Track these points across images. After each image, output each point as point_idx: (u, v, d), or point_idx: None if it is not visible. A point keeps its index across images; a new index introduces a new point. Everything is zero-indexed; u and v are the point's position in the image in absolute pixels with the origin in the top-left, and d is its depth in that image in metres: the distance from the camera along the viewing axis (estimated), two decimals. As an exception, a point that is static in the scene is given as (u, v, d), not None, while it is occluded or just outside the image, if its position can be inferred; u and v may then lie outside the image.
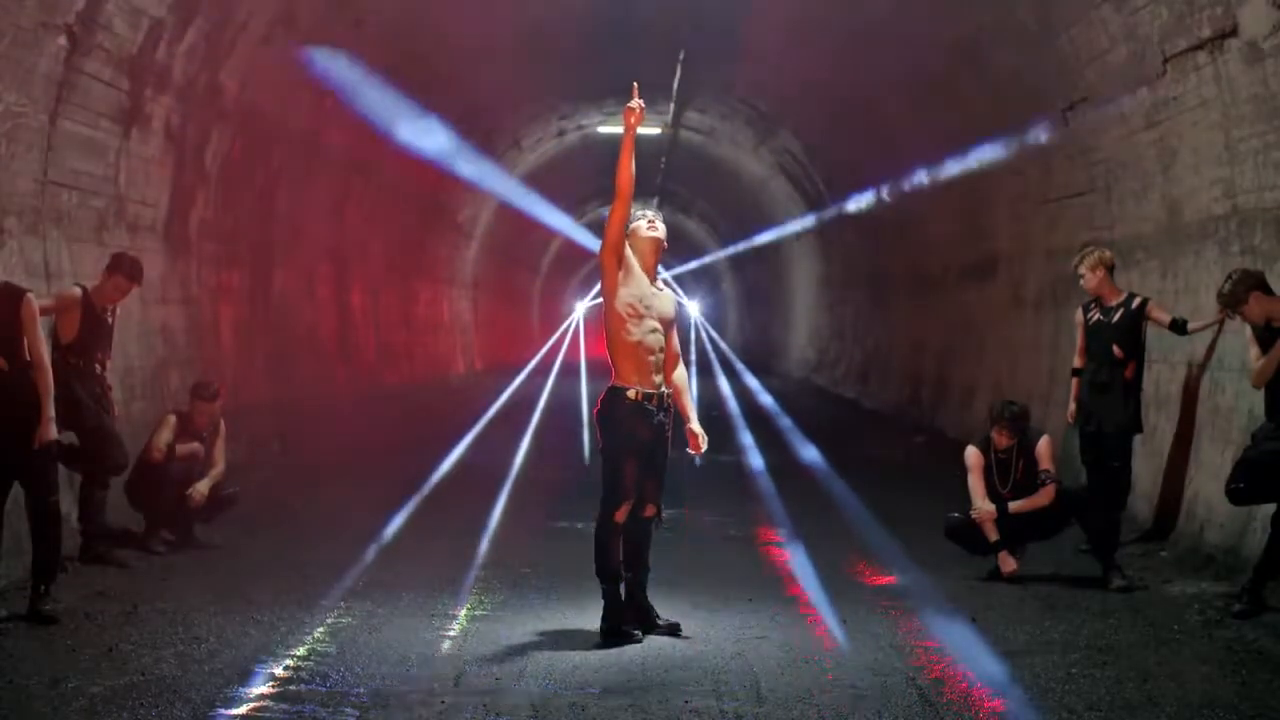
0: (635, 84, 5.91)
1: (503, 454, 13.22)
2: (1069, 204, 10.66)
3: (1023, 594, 6.83)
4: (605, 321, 5.94)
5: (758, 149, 22.20)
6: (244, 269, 12.54)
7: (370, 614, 6.30)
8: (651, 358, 5.87)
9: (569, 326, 39.73)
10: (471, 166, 19.52)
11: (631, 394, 5.82)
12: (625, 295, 5.85)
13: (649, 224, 6.03)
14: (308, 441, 12.74)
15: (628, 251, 5.89)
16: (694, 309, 37.61)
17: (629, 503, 5.87)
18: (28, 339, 6.12)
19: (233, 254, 12.08)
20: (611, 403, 5.86)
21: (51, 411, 6.13)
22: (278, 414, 12.71)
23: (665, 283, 6.17)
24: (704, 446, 6.12)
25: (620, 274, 5.85)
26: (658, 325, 5.90)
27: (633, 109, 5.76)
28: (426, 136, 16.11)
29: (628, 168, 5.81)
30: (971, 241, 14.02)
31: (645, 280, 5.93)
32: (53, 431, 6.13)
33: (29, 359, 6.10)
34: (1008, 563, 7.15)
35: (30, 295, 6.25)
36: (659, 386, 5.89)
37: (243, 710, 4.80)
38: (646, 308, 5.87)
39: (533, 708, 4.86)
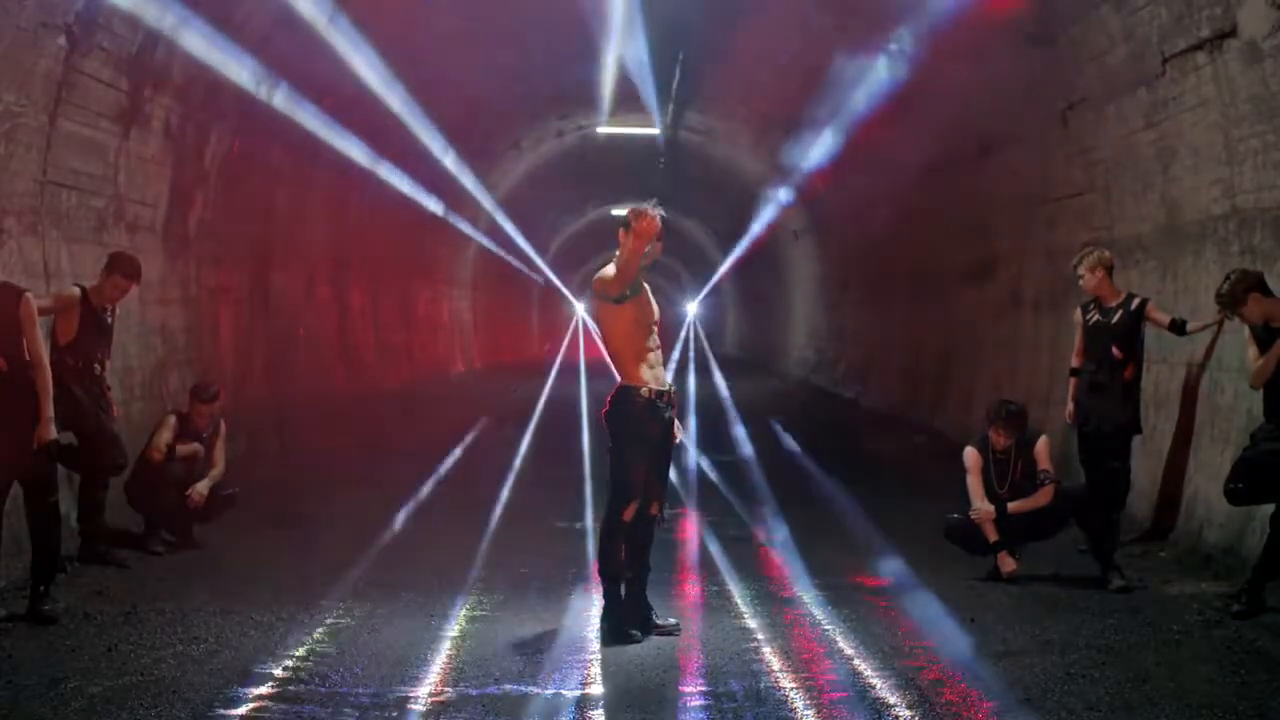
0: (655, 199, 5.92)
1: (502, 453, 13.22)
2: (1068, 204, 10.66)
3: (1022, 594, 6.83)
4: (605, 335, 6.03)
5: (756, 149, 22.19)
6: (243, 269, 12.54)
7: (370, 614, 6.30)
8: (653, 356, 5.98)
9: (569, 326, 39.72)
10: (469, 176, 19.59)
11: (645, 392, 5.88)
12: (628, 314, 5.92)
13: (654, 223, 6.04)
14: (307, 441, 12.74)
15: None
16: (692, 309, 37.66)
17: (637, 501, 5.90)
18: (26, 339, 6.11)
19: (232, 254, 12.08)
20: (623, 401, 5.90)
21: (50, 412, 6.12)
22: (277, 414, 12.72)
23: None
24: (680, 436, 6.17)
25: (617, 304, 5.92)
26: (653, 329, 6.04)
27: (649, 217, 5.68)
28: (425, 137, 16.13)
29: (635, 265, 5.80)
30: (971, 241, 14.02)
31: (640, 290, 5.98)
32: (52, 432, 6.12)
33: (28, 359, 6.10)
34: (1007, 563, 7.15)
35: (29, 295, 6.25)
36: (666, 384, 5.96)
37: (242, 711, 4.80)
38: (646, 315, 5.98)
39: (532, 708, 4.86)
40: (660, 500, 6.04)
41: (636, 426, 5.88)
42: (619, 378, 5.99)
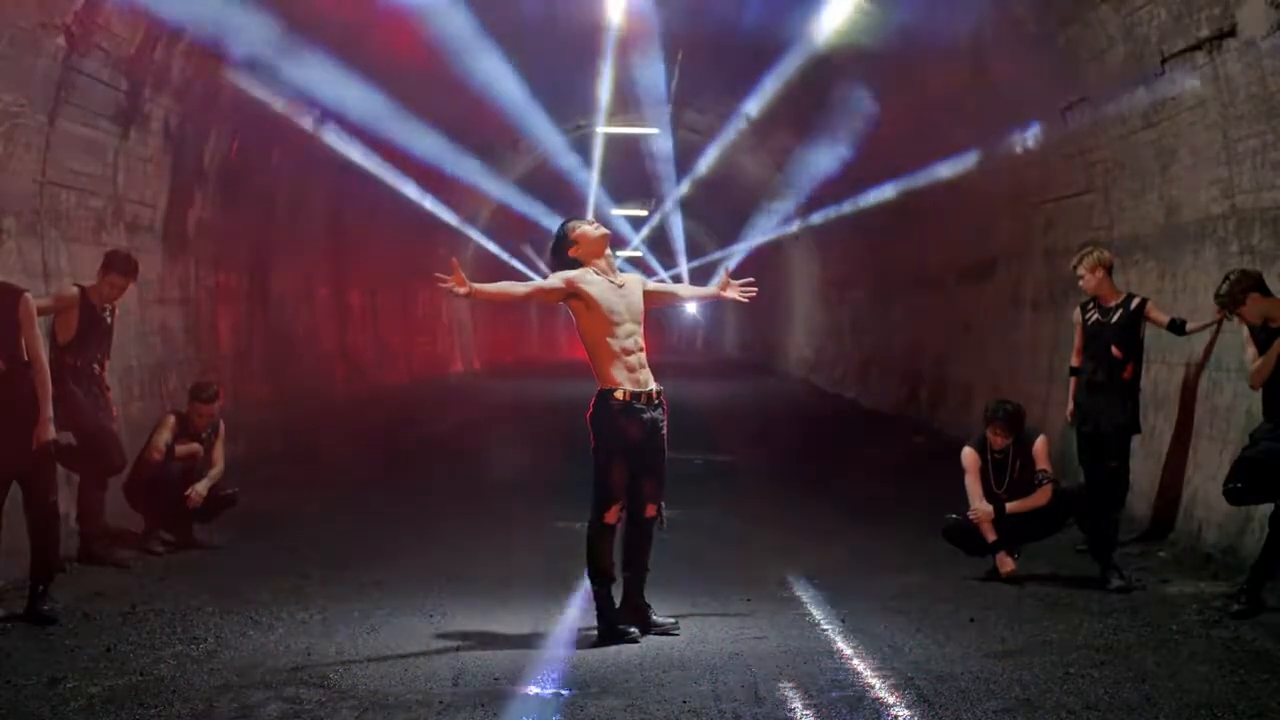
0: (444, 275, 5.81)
1: (501, 453, 13.22)
2: (1067, 204, 10.66)
3: (1021, 594, 6.83)
4: (581, 336, 6.00)
5: (756, 149, 22.19)
6: (242, 269, 12.55)
7: (369, 614, 6.30)
8: (633, 358, 5.91)
9: (569, 325, 39.73)
10: (467, 169, 19.57)
11: (620, 394, 5.85)
12: (595, 316, 5.90)
13: (595, 225, 6.11)
14: (306, 441, 12.74)
15: (576, 282, 5.92)
16: (691, 308, 37.64)
17: (618, 504, 5.89)
18: (25, 339, 6.11)
19: (231, 254, 12.08)
20: (601, 405, 5.88)
21: (49, 412, 6.12)
22: (276, 414, 12.72)
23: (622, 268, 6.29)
24: (740, 289, 6.35)
25: (580, 305, 5.91)
26: (634, 326, 5.96)
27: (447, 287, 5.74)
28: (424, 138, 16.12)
29: (501, 296, 6.17)
30: (970, 241, 14.03)
31: (606, 288, 5.94)
32: (50, 432, 6.12)
33: (26, 359, 6.10)
34: (1006, 563, 7.15)
35: (27, 295, 6.24)
36: (646, 384, 5.92)
37: (241, 711, 4.79)
38: (618, 314, 5.91)
39: (531, 708, 4.86)
40: (657, 502, 6.01)
41: (613, 430, 5.84)
42: (599, 379, 5.95)
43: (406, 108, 14.75)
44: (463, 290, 5.67)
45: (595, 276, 5.95)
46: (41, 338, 6.37)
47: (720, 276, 6.49)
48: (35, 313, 6.27)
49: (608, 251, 6.08)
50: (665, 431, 6.00)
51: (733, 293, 6.38)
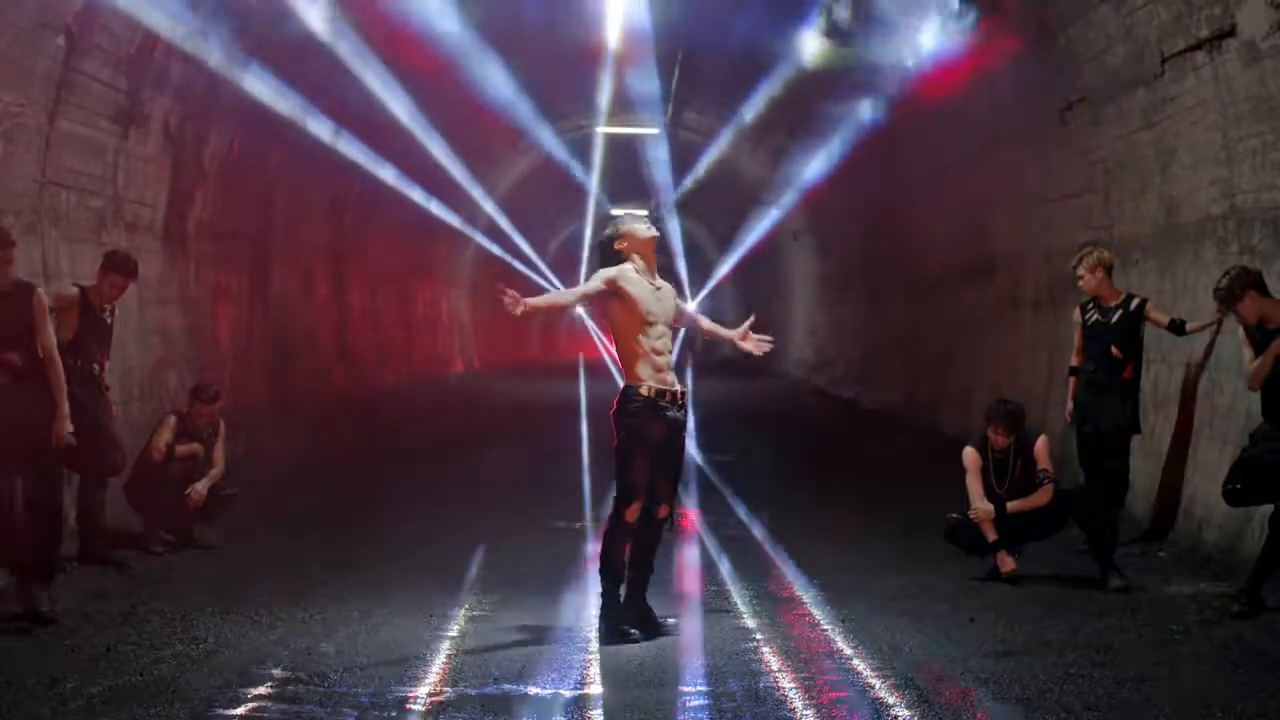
0: (505, 287, 5.84)
1: (501, 453, 13.23)
2: (1067, 204, 10.66)
3: (1021, 594, 6.83)
4: (613, 333, 6.04)
5: (755, 150, 22.20)
6: (242, 269, 12.55)
7: (369, 614, 6.30)
8: (662, 359, 5.96)
9: (569, 326, 39.73)
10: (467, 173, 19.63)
11: (645, 390, 5.88)
12: (632, 315, 5.94)
13: (647, 225, 6.16)
14: (306, 441, 12.74)
15: (618, 281, 5.95)
16: (690, 308, 37.69)
17: (639, 501, 5.89)
18: (39, 335, 6.12)
19: (231, 254, 12.08)
20: (626, 400, 5.91)
21: (66, 408, 6.13)
22: (276, 414, 12.72)
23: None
24: (757, 342, 6.37)
25: (619, 303, 5.95)
26: (665, 329, 6.01)
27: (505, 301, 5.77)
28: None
29: (552, 307, 6.32)
30: (970, 242, 14.03)
31: (646, 290, 5.98)
32: (68, 426, 6.12)
33: (40, 355, 6.10)
34: (1006, 563, 7.15)
35: (40, 291, 6.26)
36: (672, 385, 5.94)
37: (241, 710, 4.79)
38: (654, 314, 5.96)
39: (531, 708, 4.86)
40: (669, 503, 6.03)
41: (637, 426, 5.87)
42: (625, 376, 6.00)
43: (414, 110, 14.79)
44: (519, 310, 5.73)
45: (635, 275, 6.01)
46: (53, 335, 6.37)
47: (743, 327, 6.49)
48: (48, 309, 6.28)
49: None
50: (686, 434, 6.05)
51: (749, 345, 6.42)
